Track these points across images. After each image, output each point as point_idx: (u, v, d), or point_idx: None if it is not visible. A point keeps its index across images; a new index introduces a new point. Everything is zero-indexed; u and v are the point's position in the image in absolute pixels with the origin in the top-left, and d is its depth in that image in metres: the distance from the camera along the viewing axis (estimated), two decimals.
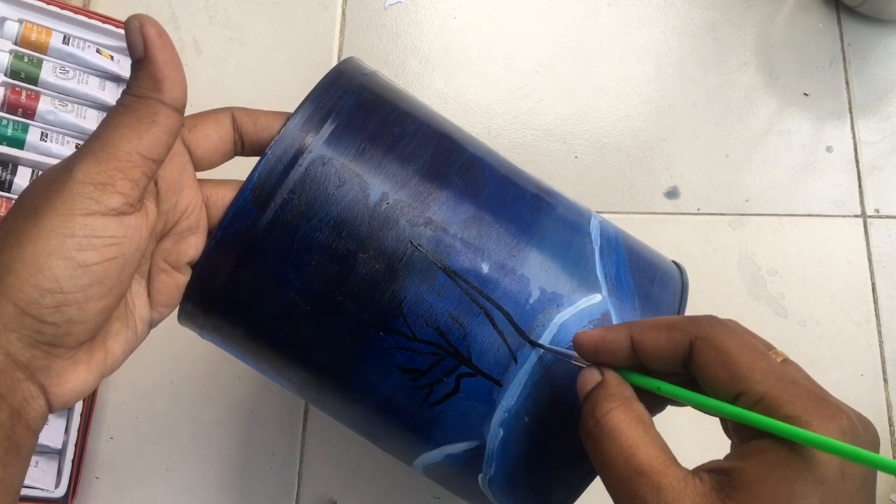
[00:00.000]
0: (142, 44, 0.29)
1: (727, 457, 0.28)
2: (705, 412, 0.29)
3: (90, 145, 0.29)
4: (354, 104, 0.35)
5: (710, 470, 0.27)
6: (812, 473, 0.25)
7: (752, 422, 0.26)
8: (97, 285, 0.28)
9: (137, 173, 0.29)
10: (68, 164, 0.29)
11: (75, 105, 0.58)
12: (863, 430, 0.27)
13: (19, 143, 0.55)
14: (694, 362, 0.29)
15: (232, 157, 0.36)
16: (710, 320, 0.30)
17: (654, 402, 0.32)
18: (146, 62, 0.29)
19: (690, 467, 0.28)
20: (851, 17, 0.66)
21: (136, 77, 0.29)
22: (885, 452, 0.56)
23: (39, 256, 0.27)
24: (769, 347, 0.30)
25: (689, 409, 0.31)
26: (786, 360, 0.29)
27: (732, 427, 0.29)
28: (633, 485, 0.27)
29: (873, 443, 0.27)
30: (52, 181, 0.29)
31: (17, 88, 0.56)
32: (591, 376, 0.31)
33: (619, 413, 0.29)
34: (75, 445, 0.52)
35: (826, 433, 0.25)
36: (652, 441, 0.28)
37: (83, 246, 0.28)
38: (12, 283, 0.27)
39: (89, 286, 0.28)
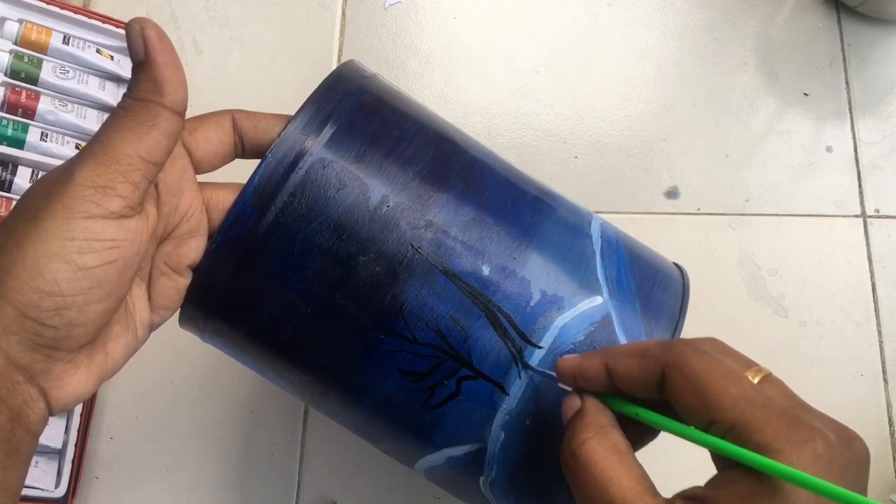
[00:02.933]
0: (142, 47, 0.29)
1: (706, 484, 0.27)
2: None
3: (91, 148, 0.29)
4: (354, 107, 0.35)
5: (687, 497, 0.27)
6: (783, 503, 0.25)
7: (721, 450, 0.26)
8: (97, 288, 0.28)
9: (138, 176, 0.29)
10: (69, 167, 0.29)
11: (75, 105, 0.58)
12: (843, 451, 0.26)
13: (19, 143, 0.55)
14: (667, 390, 0.28)
15: (232, 159, 0.36)
16: (682, 345, 0.29)
17: (647, 429, 0.32)
18: (147, 65, 0.29)
19: (689, 485, 0.27)
20: (851, 17, 0.66)
21: (137, 80, 0.29)
22: (884, 453, 0.56)
23: (39, 259, 0.27)
24: (749, 366, 0.29)
25: None
26: (765, 379, 0.29)
27: (711, 454, 0.28)
28: None
29: (858, 461, 0.26)
30: (52, 184, 0.29)
31: (17, 88, 0.56)
32: (572, 403, 0.31)
33: (593, 444, 0.29)
34: (75, 445, 0.52)
35: (797, 460, 0.24)
36: (627, 472, 0.28)
37: (83, 249, 0.28)
38: (12, 286, 0.27)
39: (89, 289, 0.28)
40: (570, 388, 0.32)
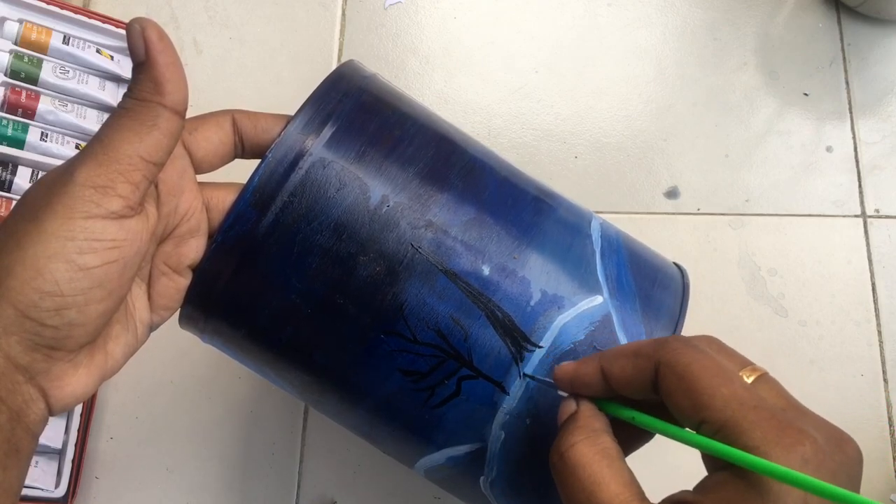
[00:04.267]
0: (143, 47, 0.29)
1: (695, 488, 0.27)
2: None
3: (91, 148, 0.29)
4: (354, 107, 0.35)
5: (675, 502, 0.27)
6: None
7: (710, 449, 0.25)
8: (97, 288, 0.28)
9: (138, 176, 0.29)
10: (69, 167, 0.29)
11: (75, 105, 0.58)
12: (833, 454, 0.25)
13: (19, 143, 0.55)
14: (660, 389, 0.28)
15: (232, 159, 0.36)
16: (675, 343, 0.28)
17: (641, 432, 0.31)
18: (147, 65, 0.29)
19: (689, 486, 0.27)
20: (851, 17, 0.66)
21: (138, 80, 0.29)
22: (884, 453, 0.56)
23: (40, 259, 0.27)
24: (744, 364, 0.29)
25: None
26: (760, 379, 0.28)
27: (702, 456, 0.28)
28: None
29: (849, 464, 0.26)
30: (52, 184, 0.29)
31: (17, 88, 0.56)
32: (567, 407, 0.31)
33: (582, 447, 0.28)
34: (75, 445, 0.52)
35: (785, 464, 0.24)
36: (615, 476, 0.27)
37: (83, 249, 0.28)
38: (12, 286, 0.27)
39: (89, 289, 0.28)
40: (567, 395, 0.32)
